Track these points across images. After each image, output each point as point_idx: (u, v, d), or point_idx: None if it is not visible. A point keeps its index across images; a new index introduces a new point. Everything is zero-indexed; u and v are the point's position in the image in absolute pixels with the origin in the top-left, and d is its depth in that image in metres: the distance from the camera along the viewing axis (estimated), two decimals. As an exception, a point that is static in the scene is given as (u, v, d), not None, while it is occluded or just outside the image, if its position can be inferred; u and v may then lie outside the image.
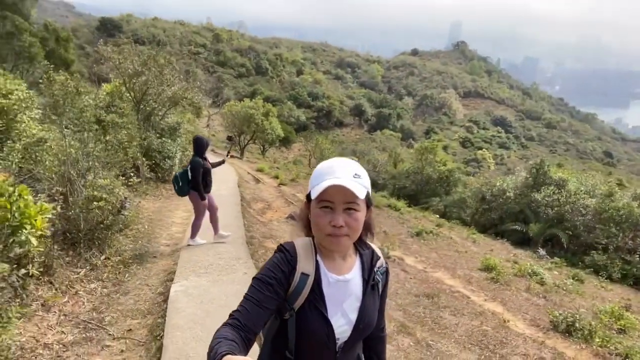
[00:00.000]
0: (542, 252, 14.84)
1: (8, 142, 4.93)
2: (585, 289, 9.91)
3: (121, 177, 6.88)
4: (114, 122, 7.48)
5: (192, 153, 6.44)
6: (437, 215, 21.25)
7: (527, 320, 5.79)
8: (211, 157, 6.92)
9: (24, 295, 3.85)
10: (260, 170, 19.82)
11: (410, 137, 78.82)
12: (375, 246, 1.51)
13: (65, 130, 5.73)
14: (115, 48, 11.30)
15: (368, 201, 1.33)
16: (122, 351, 3.70)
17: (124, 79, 10.19)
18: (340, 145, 57.29)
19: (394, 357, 3.69)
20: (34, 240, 3.51)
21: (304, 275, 1.32)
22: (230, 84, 74.11)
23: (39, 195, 4.41)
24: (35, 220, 3.18)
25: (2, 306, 2.96)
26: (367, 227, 1.40)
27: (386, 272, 1.50)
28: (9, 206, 2.88)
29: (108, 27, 76.83)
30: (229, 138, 9.99)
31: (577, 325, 5.33)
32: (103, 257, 5.61)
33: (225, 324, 1.22)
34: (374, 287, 1.43)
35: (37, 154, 5.05)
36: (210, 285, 4.83)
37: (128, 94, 10.35)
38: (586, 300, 8.45)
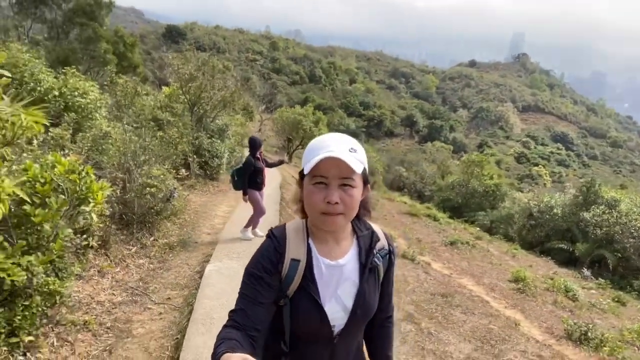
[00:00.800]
0: (587, 272, 14.39)
1: (80, 133, 5.80)
2: (625, 311, 9.66)
3: (172, 171, 7.68)
4: (167, 120, 8.36)
5: (239, 153, 7.09)
6: (480, 229, 21.00)
7: (542, 327, 5.93)
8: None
9: (84, 261, 4.58)
10: (304, 174, 20.49)
11: (462, 150, 77.18)
12: (377, 227, 1.44)
13: (126, 126, 6.58)
14: (176, 54, 12.35)
15: (365, 178, 1.29)
16: (160, 313, 4.34)
17: (180, 83, 11.17)
18: (388, 154, 57.13)
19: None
20: (94, 217, 4.23)
21: (294, 261, 1.28)
22: (283, 90, 76.08)
23: (101, 179, 5.18)
24: (97, 195, 3.88)
25: (65, 263, 3.65)
26: (365, 206, 1.35)
27: (389, 254, 1.42)
28: (78, 181, 3.57)
29: (173, 34, 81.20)
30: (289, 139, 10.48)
31: (589, 334, 5.43)
32: (152, 238, 6.36)
33: (225, 326, 1.22)
34: (373, 270, 1.36)
35: (102, 146, 5.88)
36: (240, 267, 5.41)
37: (184, 97, 11.32)
38: (620, 320, 8.30)
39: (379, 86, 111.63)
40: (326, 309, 1.27)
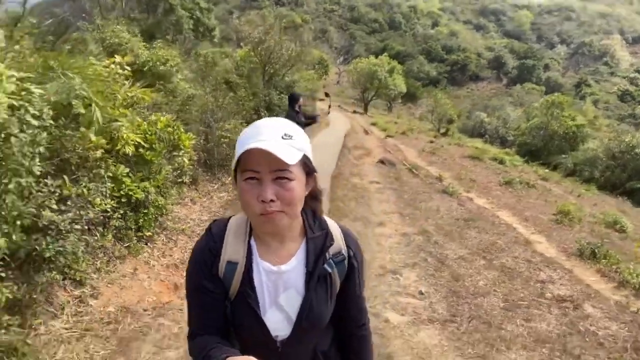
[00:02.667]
0: (662, 212, 14.09)
1: (171, 97, 7.52)
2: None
3: (245, 124, 9.29)
4: (236, 82, 9.93)
5: (310, 106, 8.20)
6: (561, 173, 20.65)
7: (559, 247, 6.75)
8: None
9: (180, 192, 6.35)
10: (374, 124, 21.47)
11: (557, 91, 71.49)
12: (336, 226, 1.27)
13: (206, 89, 8.24)
14: (244, 20, 13.80)
15: (308, 167, 1.13)
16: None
17: (252, 46, 12.67)
18: (468, 99, 55.07)
19: (397, 242, 5.36)
20: (185, 160, 5.91)
21: (231, 264, 1.16)
22: (362, 40, 75.22)
23: (189, 132, 6.87)
24: (185, 144, 5.51)
25: (168, 189, 5.35)
26: (314, 195, 1.21)
27: (349, 260, 1.24)
28: (172, 133, 5.19)
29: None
30: (326, 94, 11.68)
31: (597, 252, 6.20)
32: (229, 178, 8.11)
33: (192, 337, 1.20)
34: (325, 278, 1.21)
35: (188, 106, 7.56)
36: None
37: (255, 58, 12.83)
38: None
39: (466, 27, 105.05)
40: (266, 317, 1.17)
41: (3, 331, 2.75)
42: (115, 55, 4.69)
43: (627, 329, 3.86)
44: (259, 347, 1.16)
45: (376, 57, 37.62)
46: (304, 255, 1.19)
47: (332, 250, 1.20)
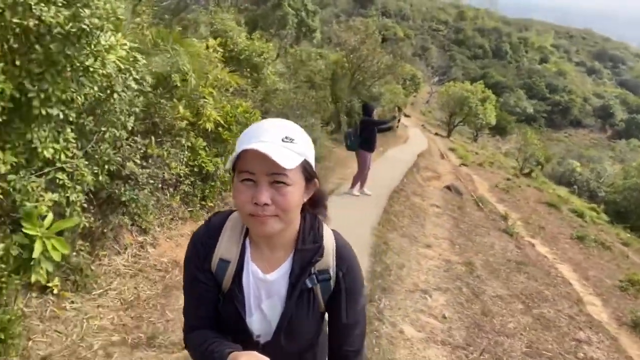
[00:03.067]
0: None
1: (258, 87, 8.07)
2: None
3: (325, 126, 9.69)
4: (319, 83, 10.36)
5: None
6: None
7: (614, 315, 6.35)
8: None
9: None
10: (452, 149, 21.04)
11: (668, 155, 64.82)
12: (332, 241, 1.20)
13: (291, 85, 8.75)
14: (342, 27, 14.25)
15: (308, 173, 1.09)
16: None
17: (346, 52, 13.09)
18: (563, 144, 51.71)
19: (437, 266, 5.39)
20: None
21: (223, 262, 1.15)
22: (461, 64, 73.36)
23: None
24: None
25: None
26: (317, 203, 1.19)
27: (337, 281, 1.18)
28: (249, 118, 5.68)
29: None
30: (399, 108, 11.69)
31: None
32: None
33: (189, 331, 1.22)
34: (307, 293, 1.17)
35: (271, 98, 8.09)
36: (339, 207, 7.17)
37: (347, 64, 13.23)
38: None
39: (578, 68, 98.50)
40: (251, 320, 1.18)
41: (74, 254, 3.29)
42: (210, 39, 5.24)
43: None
44: (242, 344, 1.13)
45: (471, 83, 36.62)
46: (289, 266, 1.15)
47: (318, 265, 1.16)
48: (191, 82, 4.54)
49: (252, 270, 1.16)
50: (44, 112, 2.39)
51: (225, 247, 1.15)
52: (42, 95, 2.34)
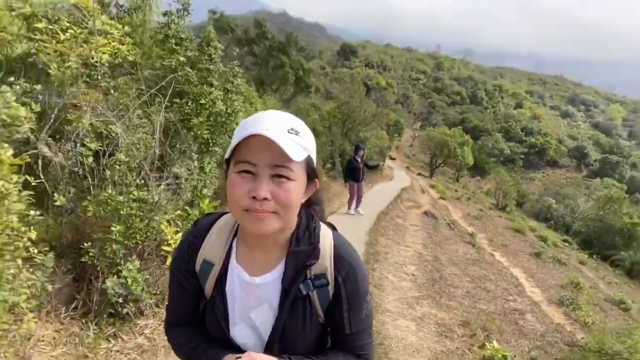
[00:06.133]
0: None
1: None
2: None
3: (323, 165, 12.02)
4: (320, 131, 12.86)
5: (376, 161, 10.83)
6: (618, 270, 20.98)
7: (545, 295, 8.53)
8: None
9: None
10: (433, 186, 23.57)
11: (639, 192, 68.56)
12: (330, 241, 1.10)
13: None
14: (344, 72, 17.00)
15: (311, 171, 1.03)
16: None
17: (337, 104, 15.77)
18: (541, 184, 54.88)
19: (412, 255, 7.62)
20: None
21: (207, 264, 1.09)
22: (441, 110, 77.86)
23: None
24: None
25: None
26: (315, 201, 1.13)
27: (336, 287, 1.08)
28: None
29: (346, 52, 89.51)
30: (382, 152, 14.07)
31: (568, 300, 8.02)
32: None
33: (171, 327, 1.20)
34: (302, 300, 1.07)
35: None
36: (339, 221, 9.41)
37: (339, 114, 15.88)
38: None
39: (552, 112, 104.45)
40: (234, 332, 1.09)
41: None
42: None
43: (546, 328, 5.85)
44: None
45: (450, 128, 39.94)
46: (282, 270, 1.06)
47: (314, 269, 1.06)
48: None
49: (238, 274, 1.07)
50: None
51: (210, 249, 1.09)
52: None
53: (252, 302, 1.08)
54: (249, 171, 0.94)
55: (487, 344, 3.91)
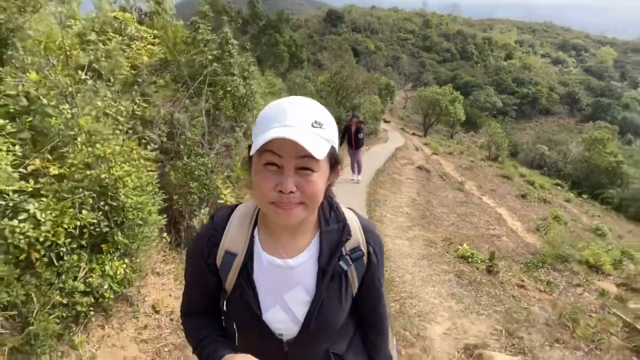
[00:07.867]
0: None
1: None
2: None
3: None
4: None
5: (371, 125, 11.84)
6: (607, 207, 22.36)
7: (525, 226, 9.93)
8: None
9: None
10: (426, 144, 24.81)
11: (634, 131, 69.84)
12: (355, 217, 1.19)
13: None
14: (327, 55, 18.06)
15: (334, 159, 1.05)
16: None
17: (330, 74, 16.85)
18: (534, 133, 55.98)
19: (406, 200, 8.99)
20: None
21: (229, 255, 1.11)
22: (432, 68, 78.19)
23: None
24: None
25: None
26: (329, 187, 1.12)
27: (369, 256, 1.16)
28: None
29: (332, 18, 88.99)
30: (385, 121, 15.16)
31: (543, 227, 9.42)
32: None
33: (186, 315, 1.24)
34: (337, 277, 1.13)
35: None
36: (339, 185, 10.72)
37: (332, 84, 16.97)
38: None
39: (543, 60, 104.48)
40: (267, 316, 1.11)
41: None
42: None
43: (517, 245, 7.24)
44: (263, 345, 1.11)
45: (440, 87, 40.79)
46: (316, 250, 1.11)
47: (348, 245, 1.13)
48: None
49: (268, 260, 1.11)
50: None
51: (232, 240, 1.12)
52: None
53: (285, 284, 1.11)
54: (274, 163, 0.96)
55: (459, 247, 5.27)
